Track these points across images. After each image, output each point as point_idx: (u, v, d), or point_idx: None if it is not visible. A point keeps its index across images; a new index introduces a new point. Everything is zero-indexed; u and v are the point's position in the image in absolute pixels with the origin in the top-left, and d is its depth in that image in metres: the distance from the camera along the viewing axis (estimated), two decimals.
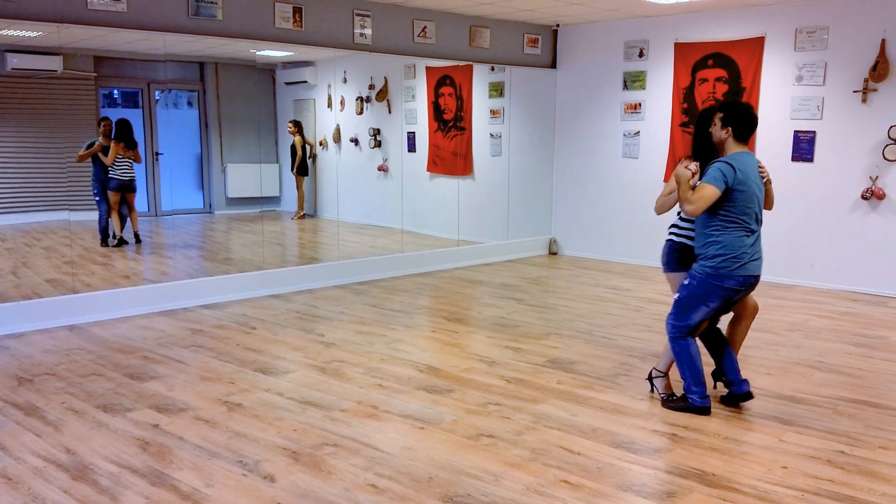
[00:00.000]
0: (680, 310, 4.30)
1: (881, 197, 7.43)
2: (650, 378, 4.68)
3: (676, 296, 4.34)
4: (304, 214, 13.41)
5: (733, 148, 4.18)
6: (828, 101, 7.68)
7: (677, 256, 4.49)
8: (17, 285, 7.64)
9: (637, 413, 4.40)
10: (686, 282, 4.29)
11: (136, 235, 10.49)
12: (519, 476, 3.57)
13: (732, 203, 4.09)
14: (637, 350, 5.68)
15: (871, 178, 7.48)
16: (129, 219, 10.56)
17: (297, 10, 7.22)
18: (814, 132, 7.77)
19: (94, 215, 10.58)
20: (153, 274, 8.67)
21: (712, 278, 4.16)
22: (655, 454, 3.83)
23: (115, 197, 10.22)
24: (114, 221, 10.38)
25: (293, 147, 12.93)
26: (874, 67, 7.31)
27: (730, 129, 4.16)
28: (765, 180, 4.30)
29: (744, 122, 4.16)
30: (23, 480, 3.53)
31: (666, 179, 8.89)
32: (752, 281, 4.24)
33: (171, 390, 4.77)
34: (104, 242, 10.38)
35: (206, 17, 6.66)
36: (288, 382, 4.92)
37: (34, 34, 10.08)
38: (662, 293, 7.63)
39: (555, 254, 10.18)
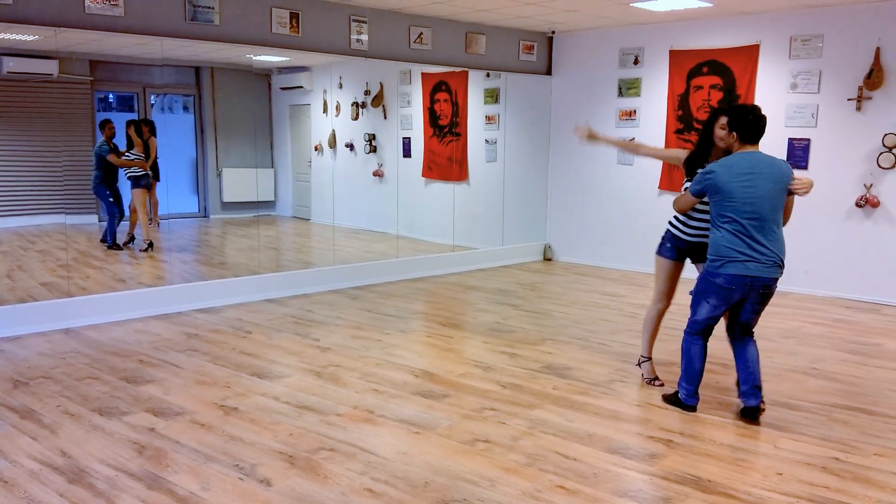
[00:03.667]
0: (692, 305, 4.45)
1: (875, 205, 7.47)
2: (640, 363, 5.15)
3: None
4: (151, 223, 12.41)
5: (738, 150, 4.24)
6: (822, 109, 7.73)
7: (668, 244, 4.80)
8: (12, 288, 7.62)
9: (633, 419, 4.41)
10: (698, 278, 4.48)
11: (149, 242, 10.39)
12: (515, 481, 3.58)
13: (720, 202, 4.19)
14: (633, 356, 5.68)
15: (865, 185, 7.52)
16: (130, 220, 10.39)
17: (294, 16, 7.24)
18: (808, 140, 7.81)
19: (88, 218, 10.52)
20: (149, 278, 8.65)
21: (708, 274, 4.30)
22: (651, 460, 3.84)
23: (144, 194, 10.03)
24: (142, 221, 10.13)
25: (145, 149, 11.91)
26: (868, 75, 7.36)
27: (735, 133, 4.20)
28: (791, 192, 4.17)
29: (749, 126, 4.17)
30: (18, 483, 3.52)
31: (661, 186, 8.93)
32: (748, 282, 4.12)
33: (167, 394, 4.76)
34: (117, 245, 10.18)
35: (203, 23, 6.67)
36: (284, 387, 4.92)
37: (31, 38, 10.08)
38: None
39: (549, 260, 10.19)
